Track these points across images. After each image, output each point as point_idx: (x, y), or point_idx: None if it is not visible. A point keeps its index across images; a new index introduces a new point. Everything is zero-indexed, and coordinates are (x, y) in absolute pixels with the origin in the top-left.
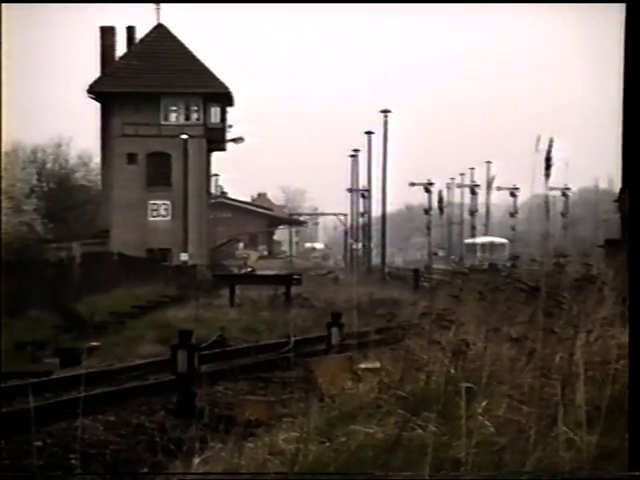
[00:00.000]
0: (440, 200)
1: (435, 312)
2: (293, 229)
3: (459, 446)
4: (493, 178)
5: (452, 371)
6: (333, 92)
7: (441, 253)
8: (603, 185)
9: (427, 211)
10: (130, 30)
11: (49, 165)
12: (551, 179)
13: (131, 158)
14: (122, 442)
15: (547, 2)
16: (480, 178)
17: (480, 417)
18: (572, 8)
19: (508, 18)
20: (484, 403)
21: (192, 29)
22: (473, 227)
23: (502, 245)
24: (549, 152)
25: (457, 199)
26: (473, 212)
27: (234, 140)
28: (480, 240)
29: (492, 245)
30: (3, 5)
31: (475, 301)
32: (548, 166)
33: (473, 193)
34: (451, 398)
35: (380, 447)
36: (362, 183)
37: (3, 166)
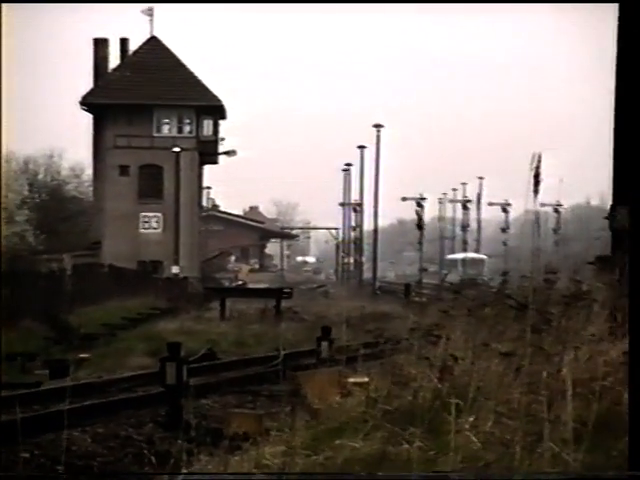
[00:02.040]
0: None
1: (424, 327)
2: (285, 242)
3: (445, 461)
4: (481, 193)
5: (440, 386)
6: (326, 106)
7: (432, 268)
8: (595, 202)
9: (419, 226)
10: (123, 42)
11: (41, 176)
12: (544, 195)
13: (123, 170)
14: (110, 454)
15: (546, 2)
16: (472, 193)
17: (467, 432)
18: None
19: (502, 29)
20: (471, 418)
21: (185, 42)
22: (465, 242)
23: (481, 261)
24: (537, 168)
25: (449, 214)
26: (465, 227)
27: (226, 153)
28: (460, 256)
29: (472, 261)
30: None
31: (464, 317)
32: (537, 182)
33: (465, 208)
34: (438, 413)
35: (366, 461)
36: (354, 197)
37: None
